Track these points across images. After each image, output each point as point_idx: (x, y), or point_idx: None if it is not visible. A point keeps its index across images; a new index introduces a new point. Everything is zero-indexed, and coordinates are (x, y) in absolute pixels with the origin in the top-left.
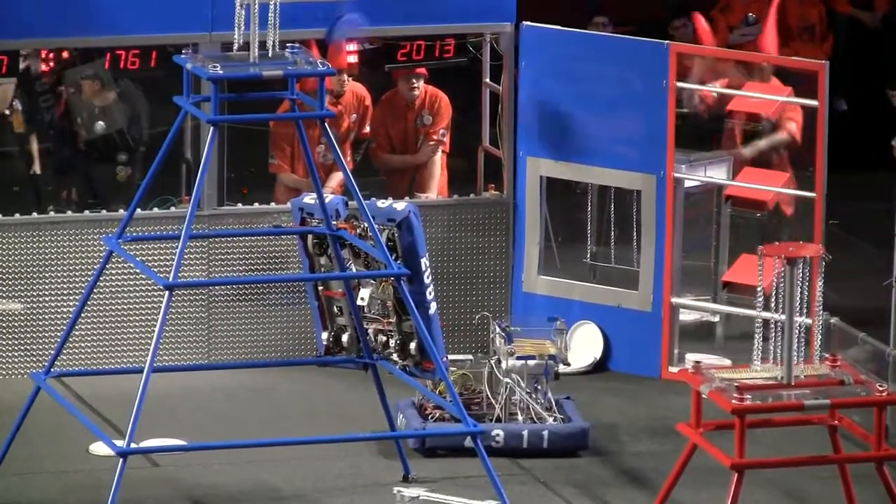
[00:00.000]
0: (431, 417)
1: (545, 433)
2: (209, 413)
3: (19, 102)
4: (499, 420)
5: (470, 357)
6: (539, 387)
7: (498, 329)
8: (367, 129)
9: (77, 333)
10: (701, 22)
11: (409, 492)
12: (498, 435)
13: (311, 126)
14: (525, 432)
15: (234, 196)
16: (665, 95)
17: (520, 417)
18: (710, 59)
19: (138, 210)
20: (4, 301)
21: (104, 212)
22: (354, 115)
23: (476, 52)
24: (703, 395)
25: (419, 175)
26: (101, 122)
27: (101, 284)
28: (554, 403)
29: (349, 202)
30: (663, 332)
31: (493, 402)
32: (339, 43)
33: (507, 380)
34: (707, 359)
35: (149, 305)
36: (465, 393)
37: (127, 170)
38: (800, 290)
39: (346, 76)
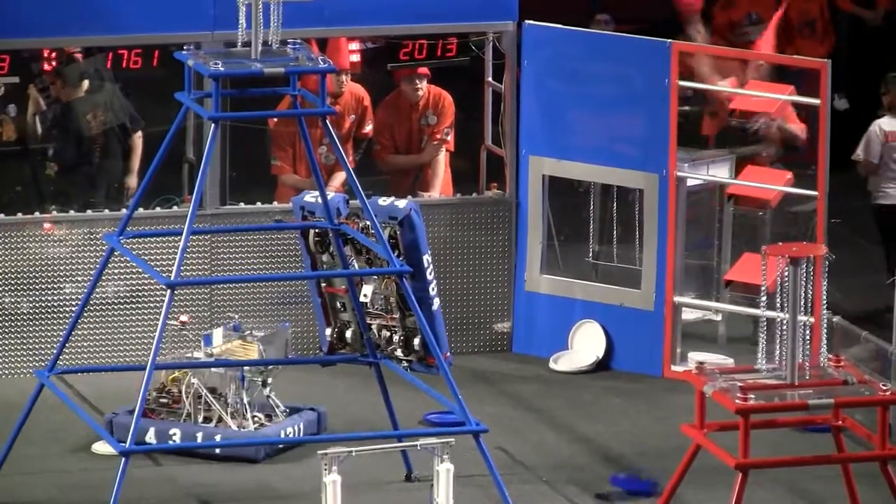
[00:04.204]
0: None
1: (217, 437)
2: None
3: (14, 108)
4: (189, 417)
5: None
6: (247, 390)
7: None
8: (367, 129)
9: (79, 332)
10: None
11: None
12: (175, 434)
13: (313, 126)
14: (199, 434)
15: (237, 195)
16: (667, 94)
17: (213, 420)
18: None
19: (141, 209)
20: None
21: (107, 211)
22: (353, 116)
23: (478, 51)
24: (707, 396)
25: (423, 174)
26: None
27: (104, 282)
28: (248, 407)
29: (350, 200)
30: (665, 330)
31: (210, 403)
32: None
33: (195, 381)
34: (710, 358)
35: (151, 303)
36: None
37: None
38: (803, 289)
39: (343, 77)
